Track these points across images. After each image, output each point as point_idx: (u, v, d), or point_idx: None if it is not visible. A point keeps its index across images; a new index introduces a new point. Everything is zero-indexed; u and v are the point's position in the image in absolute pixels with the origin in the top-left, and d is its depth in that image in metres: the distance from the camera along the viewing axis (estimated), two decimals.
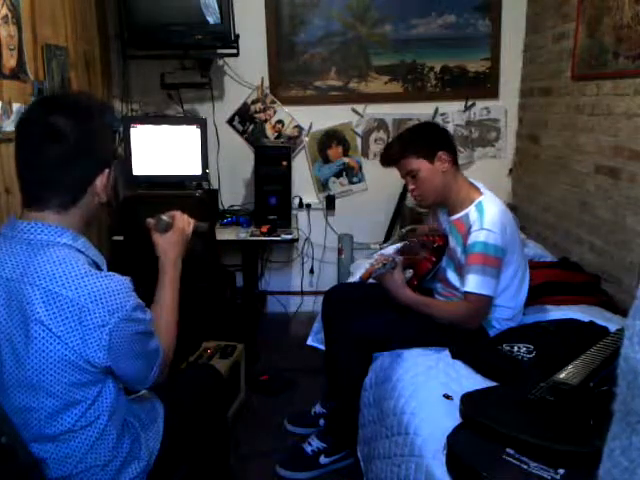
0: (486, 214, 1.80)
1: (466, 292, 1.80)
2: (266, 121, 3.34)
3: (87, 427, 1.17)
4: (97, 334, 1.09)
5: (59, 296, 1.07)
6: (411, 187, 1.94)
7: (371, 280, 1.93)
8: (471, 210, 1.86)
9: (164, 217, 1.48)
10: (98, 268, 1.18)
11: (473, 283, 1.78)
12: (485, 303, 1.81)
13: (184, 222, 1.50)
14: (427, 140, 1.92)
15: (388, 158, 1.97)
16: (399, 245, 2.33)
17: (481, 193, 1.89)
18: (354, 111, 3.34)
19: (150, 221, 1.47)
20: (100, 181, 1.18)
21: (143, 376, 1.24)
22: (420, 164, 1.88)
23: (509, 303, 1.90)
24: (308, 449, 2.07)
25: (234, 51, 3.03)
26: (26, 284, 1.08)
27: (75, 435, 1.16)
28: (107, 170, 1.19)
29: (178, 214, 1.50)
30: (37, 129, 1.11)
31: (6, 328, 1.10)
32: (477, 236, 1.79)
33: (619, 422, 0.51)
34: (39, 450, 1.15)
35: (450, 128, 3.30)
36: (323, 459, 2.05)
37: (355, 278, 2.57)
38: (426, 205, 2.03)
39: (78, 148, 1.12)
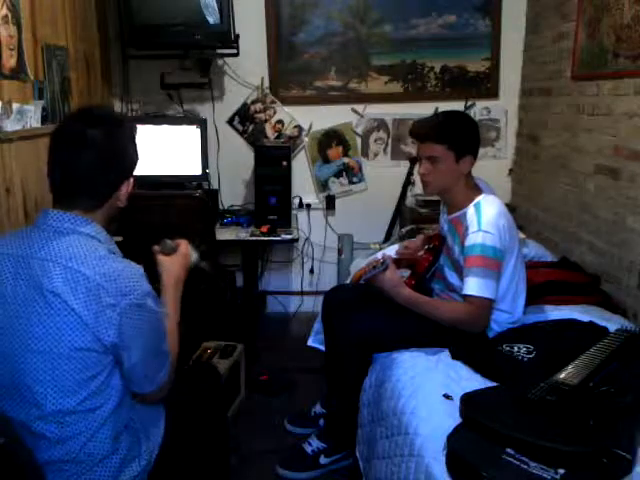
0: (483, 215, 1.79)
1: (466, 295, 1.78)
2: (266, 121, 3.34)
3: (93, 411, 1.19)
4: (109, 312, 1.15)
5: (77, 272, 1.15)
6: (423, 170, 1.89)
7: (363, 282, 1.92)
8: (469, 210, 1.85)
9: (169, 241, 1.53)
10: None
11: (473, 286, 1.75)
12: (486, 306, 1.78)
13: (188, 250, 1.56)
14: (466, 139, 1.87)
15: (421, 132, 1.89)
16: (401, 244, 2.32)
17: (481, 192, 1.89)
18: (354, 111, 3.34)
19: (155, 247, 1.52)
20: (124, 188, 1.30)
21: (151, 375, 1.26)
22: (447, 156, 1.83)
23: (508, 308, 1.89)
24: (308, 449, 2.07)
25: (234, 51, 3.04)
26: (48, 261, 1.16)
27: (78, 418, 1.18)
28: (131, 179, 1.32)
29: (184, 242, 1.56)
30: (73, 137, 1.23)
31: (23, 301, 1.17)
32: (475, 238, 1.78)
33: None
34: (44, 430, 1.17)
35: None
36: (323, 459, 2.05)
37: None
38: (428, 192, 1.99)
39: (108, 156, 1.24)
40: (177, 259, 1.50)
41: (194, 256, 1.59)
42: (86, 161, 1.21)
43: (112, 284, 1.15)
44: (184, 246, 1.55)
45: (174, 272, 1.48)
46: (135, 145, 1.33)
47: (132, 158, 1.32)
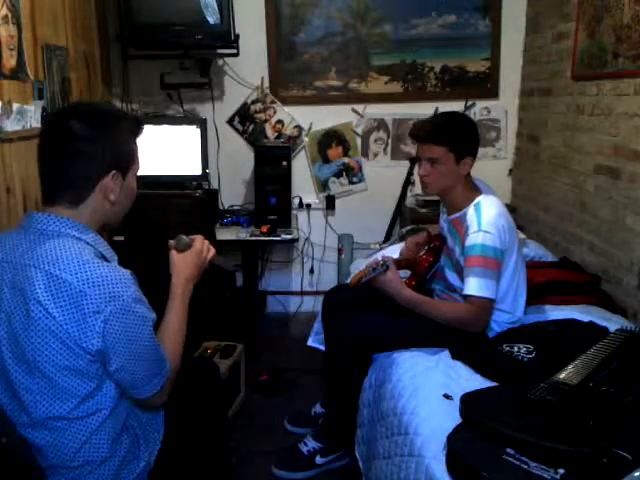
0: (483, 215, 1.79)
1: (466, 295, 1.78)
2: (266, 121, 3.34)
3: (84, 419, 1.17)
4: (92, 320, 1.11)
5: (59, 279, 1.11)
6: (423, 171, 1.89)
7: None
8: (469, 210, 1.85)
9: (184, 237, 1.45)
10: (107, 262, 1.20)
11: (474, 286, 1.76)
12: (487, 306, 1.79)
13: (204, 246, 1.47)
14: (466, 141, 1.87)
15: (421, 133, 1.89)
16: (402, 244, 2.30)
17: (480, 193, 1.89)
18: (354, 111, 3.34)
19: (171, 242, 1.45)
20: (107, 181, 1.21)
21: (143, 382, 1.23)
22: (447, 158, 1.84)
23: (509, 308, 1.89)
24: (304, 449, 2.07)
25: (234, 51, 3.04)
26: (31, 267, 1.13)
27: (70, 424, 1.17)
28: (114, 172, 1.21)
29: (199, 237, 1.48)
30: (53, 131, 1.21)
31: (8, 308, 1.14)
32: (475, 238, 1.78)
33: None
34: (35, 437, 1.16)
35: None
36: (319, 459, 2.05)
37: None
38: (428, 193, 2.00)
39: (84, 147, 1.18)
40: (190, 257, 1.43)
41: (212, 252, 1.48)
42: (61, 152, 1.17)
43: (95, 290, 1.10)
44: (199, 242, 1.46)
45: (185, 271, 1.41)
46: (121, 138, 1.24)
47: (114, 150, 1.21)
